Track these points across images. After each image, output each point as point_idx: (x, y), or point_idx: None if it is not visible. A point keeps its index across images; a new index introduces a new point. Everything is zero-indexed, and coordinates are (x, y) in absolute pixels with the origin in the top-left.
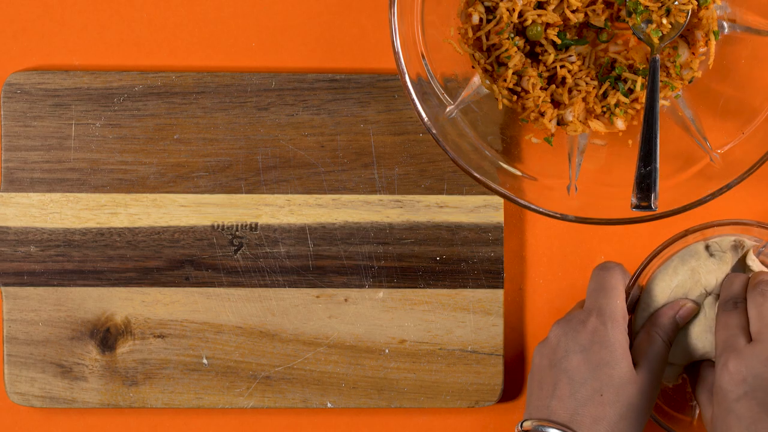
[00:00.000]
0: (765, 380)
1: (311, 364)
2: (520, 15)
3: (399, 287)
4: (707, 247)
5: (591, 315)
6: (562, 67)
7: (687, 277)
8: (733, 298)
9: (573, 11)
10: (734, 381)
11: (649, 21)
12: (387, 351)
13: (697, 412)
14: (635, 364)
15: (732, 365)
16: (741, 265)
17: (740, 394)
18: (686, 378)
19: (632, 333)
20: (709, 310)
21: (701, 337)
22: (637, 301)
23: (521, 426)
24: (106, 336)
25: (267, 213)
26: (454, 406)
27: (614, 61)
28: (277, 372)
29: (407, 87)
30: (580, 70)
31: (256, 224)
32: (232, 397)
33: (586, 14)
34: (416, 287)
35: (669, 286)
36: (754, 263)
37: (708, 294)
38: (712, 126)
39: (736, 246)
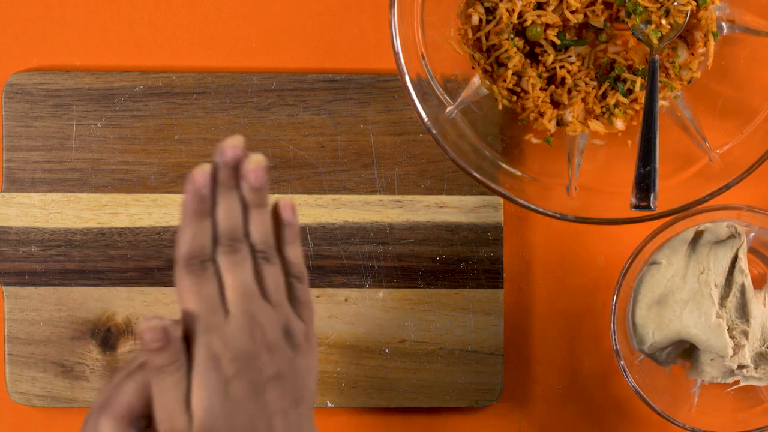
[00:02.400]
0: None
1: None
2: (520, 16)
3: (399, 287)
4: (700, 233)
5: None
6: (561, 67)
7: (682, 266)
8: (200, 256)
9: (572, 12)
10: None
11: (649, 22)
12: (387, 351)
13: (696, 398)
14: None
15: (218, 344)
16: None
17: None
18: (684, 364)
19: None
20: (703, 289)
21: (692, 319)
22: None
23: None
24: (107, 336)
25: None
26: (454, 406)
27: (613, 61)
28: None
29: (407, 87)
30: (580, 71)
31: None
32: None
33: (585, 15)
34: (416, 287)
35: (665, 276)
36: (743, 262)
37: (701, 274)
38: (711, 126)
39: (732, 233)
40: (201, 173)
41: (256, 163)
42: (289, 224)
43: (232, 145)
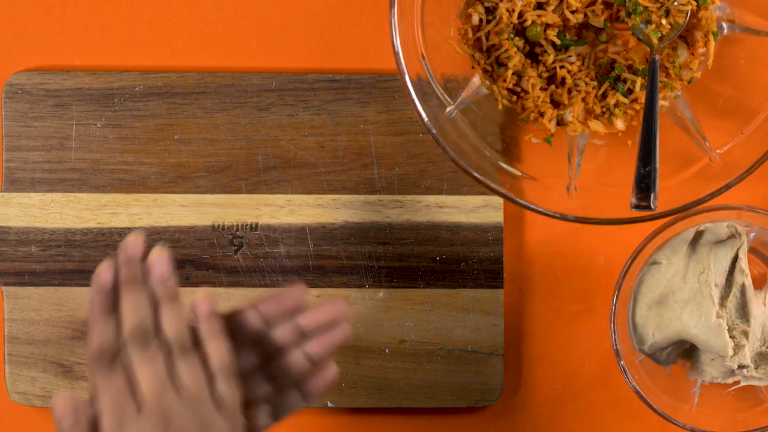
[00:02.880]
0: None
1: None
2: (520, 15)
3: (399, 287)
4: (701, 233)
5: None
6: (561, 67)
7: (682, 265)
8: (108, 351)
9: (572, 12)
10: None
11: (649, 21)
12: (387, 351)
13: (696, 398)
14: None
15: None
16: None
17: None
18: (684, 364)
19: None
20: (704, 289)
21: (692, 319)
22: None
23: None
24: None
25: (267, 213)
26: (454, 406)
27: (614, 61)
28: None
29: (407, 87)
30: (580, 71)
31: (257, 224)
32: None
33: (585, 15)
34: (416, 287)
35: (665, 276)
36: (743, 262)
37: (702, 274)
38: (712, 126)
39: (732, 233)
40: (104, 271)
41: (158, 255)
42: (206, 320)
43: (132, 241)
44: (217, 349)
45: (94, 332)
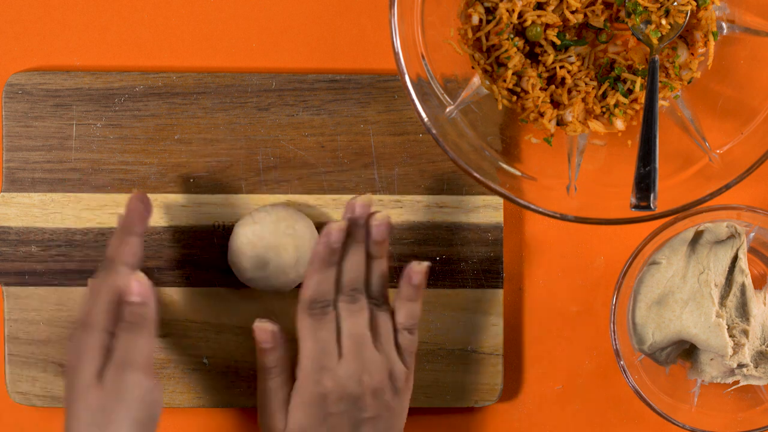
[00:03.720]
0: (355, 397)
1: None
2: (520, 16)
3: None
4: (701, 233)
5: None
6: (561, 67)
7: (682, 265)
8: (322, 302)
9: (572, 12)
10: (333, 400)
11: (649, 22)
12: None
13: (696, 398)
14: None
15: (329, 384)
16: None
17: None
18: (684, 364)
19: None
20: (703, 288)
21: (692, 318)
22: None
23: None
24: None
25: None
26: (454, 406)
27: (613, 61)
28: None
29: (407, 87)
30: (580, 71)
31: None
32: (232, 397)
33: (585, 15)
34: None
35: (665, 276)
36: (743, 262)
37: (701, 274)
38: (711, 126)
39: (732, 233)
40: (338, 228)
41: (380, 219)
42: (416, 286)
43: (363, 203)
44: (414, 311)
45: (311, 281)
